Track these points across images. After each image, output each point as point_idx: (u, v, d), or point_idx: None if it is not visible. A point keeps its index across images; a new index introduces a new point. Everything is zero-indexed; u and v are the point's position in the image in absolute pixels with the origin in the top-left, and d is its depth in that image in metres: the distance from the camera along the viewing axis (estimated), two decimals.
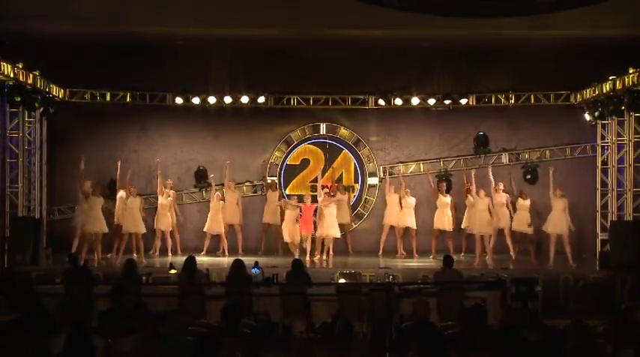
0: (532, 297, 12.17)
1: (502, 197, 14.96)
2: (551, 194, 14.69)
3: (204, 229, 15.99)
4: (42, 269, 13.74)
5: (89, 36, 14.48)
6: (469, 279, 12.09)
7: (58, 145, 16.82)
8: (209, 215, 15.95)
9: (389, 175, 17.29)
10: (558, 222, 14.47)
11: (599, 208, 16.42)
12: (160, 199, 15.49)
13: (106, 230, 14.68)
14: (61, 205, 17.23)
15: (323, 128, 17.87)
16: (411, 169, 17.64)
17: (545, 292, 12.39)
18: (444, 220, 15.68)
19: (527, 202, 14.94)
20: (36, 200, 15.86)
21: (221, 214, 15.82)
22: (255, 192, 17.64)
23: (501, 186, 15.05)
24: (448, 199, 15.86)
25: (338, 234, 15.43)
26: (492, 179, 14.97)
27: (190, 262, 11.29)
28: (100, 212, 14.62)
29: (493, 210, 14.62)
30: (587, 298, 12.83)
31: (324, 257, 15.15)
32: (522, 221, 14.83)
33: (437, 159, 17.70)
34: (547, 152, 17.52)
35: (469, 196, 14.97)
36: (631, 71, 13.99)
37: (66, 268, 11.55)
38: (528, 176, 17.29)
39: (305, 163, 17.82)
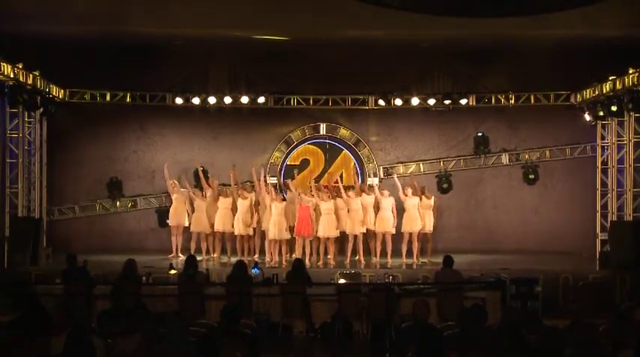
0: (532, 297, 12.19)
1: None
2: (401, 195, 14.81)
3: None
4: (42, 269, 13.77)
5: (89, 36, 14.49)
6: (469, 279, 12.10)
7: (57, 145, 16.82)
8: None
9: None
10: (410, 220, 14.70)
11: (599, 208, 16.42)
12: (198, 201, 15.43)
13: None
14: (61, 205, 17.27)
15: (323, 128, 17.87)
16: (410, 170, 17.63)
17: (545, 292, 12.41)
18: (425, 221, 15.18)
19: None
20: (36, 200, 15.83)
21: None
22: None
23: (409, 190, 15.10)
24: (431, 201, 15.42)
25: (336, 233, 14.92)
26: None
27: (192, 261, 11.30)
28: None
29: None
30: (587, 298, 12.84)
31: (329, 256, 14.71)
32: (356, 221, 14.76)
33: (437, 159, 17.71)
34: (547, 152, 17.53)
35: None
36: (631, 71, 14.00)
37: (63, 269, 11.57)
38: (530, 176, 17.29)
39: (305, 163, 17.82)
